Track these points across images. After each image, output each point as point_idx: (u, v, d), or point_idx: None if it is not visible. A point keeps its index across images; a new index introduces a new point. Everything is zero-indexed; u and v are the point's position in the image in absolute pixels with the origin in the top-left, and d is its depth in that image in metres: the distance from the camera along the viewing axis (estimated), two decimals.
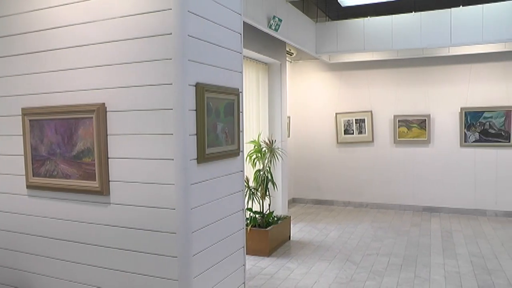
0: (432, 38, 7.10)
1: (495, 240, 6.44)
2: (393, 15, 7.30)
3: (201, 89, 2.62)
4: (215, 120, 2.77)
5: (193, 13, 2.57)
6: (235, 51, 3.03)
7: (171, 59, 2.50)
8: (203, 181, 2.71)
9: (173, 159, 2.54)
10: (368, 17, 7.47)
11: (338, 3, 6.72)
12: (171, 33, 2.49)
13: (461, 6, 6.91)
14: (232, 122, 2.97)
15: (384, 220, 7.71)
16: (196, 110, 2.61)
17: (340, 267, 5.28)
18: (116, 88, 2.70)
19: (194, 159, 2.61)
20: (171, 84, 2.51)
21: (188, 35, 2.52)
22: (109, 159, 2.75)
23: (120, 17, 2.65)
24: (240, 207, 3.19)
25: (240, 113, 3.09)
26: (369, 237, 6.61)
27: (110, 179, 2.76)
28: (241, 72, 3.12)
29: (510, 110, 7.78)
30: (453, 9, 6.95)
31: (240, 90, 3.08)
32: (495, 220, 7.65)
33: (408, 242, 6.34)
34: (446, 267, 5.29)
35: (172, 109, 2.52)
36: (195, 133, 2.61)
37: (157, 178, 2.60)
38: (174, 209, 2.56)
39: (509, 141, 7.83)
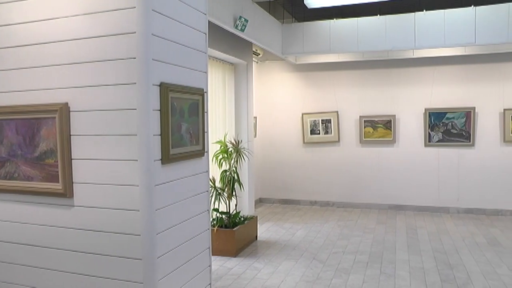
0: (396, 41, 7.27)
1: (457, 236, 6.65)
2: (359, 18, 7.42)
3: (165, 89, 2.59)
4: (179, 120, 2.75)
5: (157, 11, 2.54)
6: (200, 51, 3.02)
7: (135, 58, 2.47)
8: (168, 182, 2.68)
9: (137, 160, 2.51)
10: (334, 19, 7.57)
11: (304, 4, 6.77)
12: (135, 32, 2.46)
13: (424, 11, 7.11)
14: (196, 122, 2.96)
15: (350, 218, 7.82)
16: (160, 110, 2.58)
17: (306, 265, 5.33)
18: (79, 88, 2.64)
19: (159, 159, 2.58)
20: (135, 83, 2.48)
21: (152, 34, 2.49)
22: (73, 160, 2.69)
23: (83, 14, 2.60)
24: (206, 208, 3.17)
25: (205, 113, 3.07)
26: (335, 235, 6.69)
27: (73, 181, 2.70)
28: (206, 72, 3.11)
29: (470, 111, 8.05)
30: (416, 13, 7.14)
31: (205, 90, 3.07)
32: (457, 217, 7.89)
33: (373, 240, 6.45)
34: (410, 263, 5.41)
35: (136, 109, 2.49)
36: (159, 133, 2.58)
37: (121, 179, 2.56)
38: (138, 210, 2.53)
39: (470, 141, 8.10)
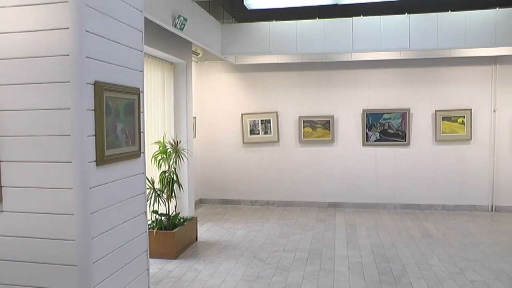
0: (334, 44, 7.47)
1: (393, 230, 6.93)
2: (298, 21, 7.55)
3: (99, 87, 2.51)
4: (114, 120, 2.67)
5: (90, 7, 2.45)
6: (136, 49, 2.95)
7: (68, 55, 2.37)
8: (103, 184, 2.60)
9: (70, 162, 2.41)
10: (274, 21, 7.65)
11: (244, 5, 6.79)
12: (68, 28, 2.36)
13: (361, 16, 7.37)
14: (132, 123, 2.88)
15: (290, 217, 7.94)
16: (94, 109, 2.49)
17: (247, 264, 5.35)
18: (8, 85, 2.49)
19: (93, 161, 2.50)
20: (68, 82, 2.38)
21: (86, 30, 2.40)
22: (2, 163, 2.54)
23: (11, 6, 2.46)
24: (142, 210, 3.10)
25: (141, 113, 3.00)
26: (276, 234, 6.77)
27: (2, 185, 2.54)
28: (142, 71, 3.04)
29: (406, 112, 8.44)
30: (354, 18, 7.40)
31: (141, 90, 3.00)
32: (394, 213, 8.24)
33: (313, 237, 6.58)
34: (349, 259, 5.58)
35: (69, 108, 2.39)
36: (94, 134, 2.49)
37: (53, 182, 2.45)
38: (73, 214, 2.43)
39: (405, 140, 8.49)
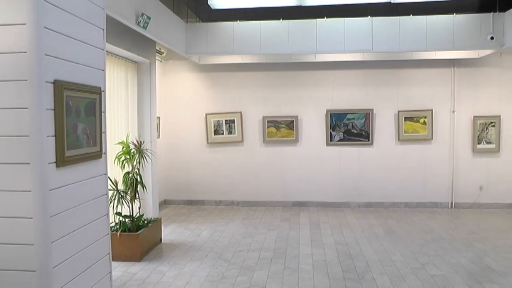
0: (298, 45, 7.53)
1: (357, 228, 7.04)
2: (262, 21, 7.58)
3: (59, 86, 2.43)
4: (75, 120, 2.60)
5: (49, 2, 2.38)
6: (97, 47, 2.88)
7: (25, 52, 2.30)
8: (63, 186, 2.52)
9: (29, 163, 2.33)
10: (238, 21, 7.64)
11: (209, 5, 6.75)
12: (25, 24, 2.28)
13: (325, 18, 7.46)
14: (93, 123, 2.81)
15: (255, 217, 7.94)
16: (54, 109, 2.42)
17: (211, 265, 5.31)
18: None
19: (53, 162, 2.42)
20: (26, 80, 2.31)
21: (44, 27, 2.33)
22: None
23: None
24: (104, 212, 3.03)
25: (103, 113, 2.93)
26: (240, 234, 6.76)
27: None
28: (104, 70, 2.97)
29: (369, 113, 8.59)
30: (318, 20, 7.48)
31: (102, 89, 2.93)
32: (358, 211, 8.37)
33: (278, 236, 6.60)
34: (313, 257, 5.62)
35: (27, 108, 2.31)
36: (54, 134, 2.42)
37: (11, 184, 2.36)
38: (31, 218, 2.35)
39: (369, 140, 8.64)
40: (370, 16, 7.40)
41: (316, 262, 5.41)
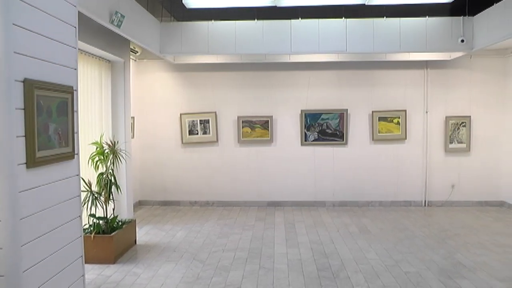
0: (273, 45, 7.55)
1: (332, 227, 7.09)
2: (237, 21, 7.56)
3: (30, 85, 2.37)
4: (46, 120, 2.53)
5: None
6: (69, 45, 2.81)
7: None
8: (34, 187, 2.46)
9: None
10: (213, 20, 7.60)
11: (183, 4, 6.70)
12: None
13: (300, 19, 7.49)
14: (65, 123, 2.75)
15: (230, 217, 7.92)
16: (24, 109, 2.35)
17: (186, 266, 5.27)
18: None
19: (23, 163, 2.35)
20: None
21: (13, 23, 2.26)
22: None
23: None
24: (77, 213, 2.97)
25: (75, 113, 2.87)
26: (215, 234, 6.73)
27: None
28: (76, 69, 2.91)
29: (343, 113, 8.66)
30: (292, 20, 7.51)
31: (74, 88, 2.87)
32: (333, 210, 8.44)
33: (253, 236, 6.60)
34: (289, 256, 5.64)
35: None
36: (24, 134, 2.35)
37: None
38: (0, 221, 2.27)
39: (343, 140, 8.72)
40: (345, 17, 7.48)
41: (291, 262, 5.43)
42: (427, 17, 7.46)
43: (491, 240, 6.29)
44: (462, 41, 7.34)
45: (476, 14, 7.40)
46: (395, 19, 7.45)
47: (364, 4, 6.79)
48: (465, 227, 7.06)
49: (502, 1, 6.71)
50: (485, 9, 7.15)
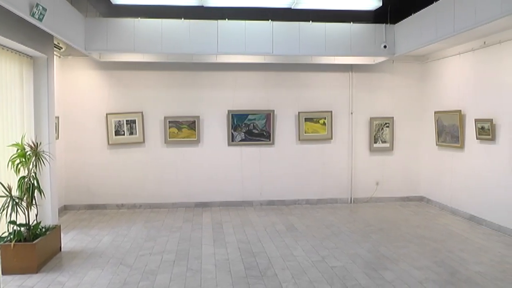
0: (200, 45, 7.56)
1: (259, 226, 7.25)
2: (163, 19, 7.49)
3: None
4: None
5: None
6: None
7: None
8: None
9: None
10: (139, 18, 7.45)
11: None
12: None
13: (226, 20, 7.56)
14: None
15: (157, 219, 7.83)
16: None
17: (113, 272, 5.16)
18: None
19: None
20: None
21: None
22: None
23: None
24: None
25: None
26: (143, 237, 6.63)
27: None
28: None
29: (270, 114, 8.85)
30: (219, 21, 7.58)
31: None
32: (260, 209, 8.61)
33: (180, 238, 6.58)
34: (216, 256, 5.70)
35: None
36: None
37: None
38: None
39: (270, 140, 8.92)
40: (271, 20, 7.62)
41: (218, 262, 5.48)
42: (351, 22, 7.80)
43: (412, 233, 6.78)
44: (385, 46, 7.78)
45: (397, 22, 7.83)
46: (321, 24, 7.72)
47: (291, 8, 6.95)
48: (388, 222, 7.51)
49: (419, 12, 7.18)
50: (405, 18, 7.59)
